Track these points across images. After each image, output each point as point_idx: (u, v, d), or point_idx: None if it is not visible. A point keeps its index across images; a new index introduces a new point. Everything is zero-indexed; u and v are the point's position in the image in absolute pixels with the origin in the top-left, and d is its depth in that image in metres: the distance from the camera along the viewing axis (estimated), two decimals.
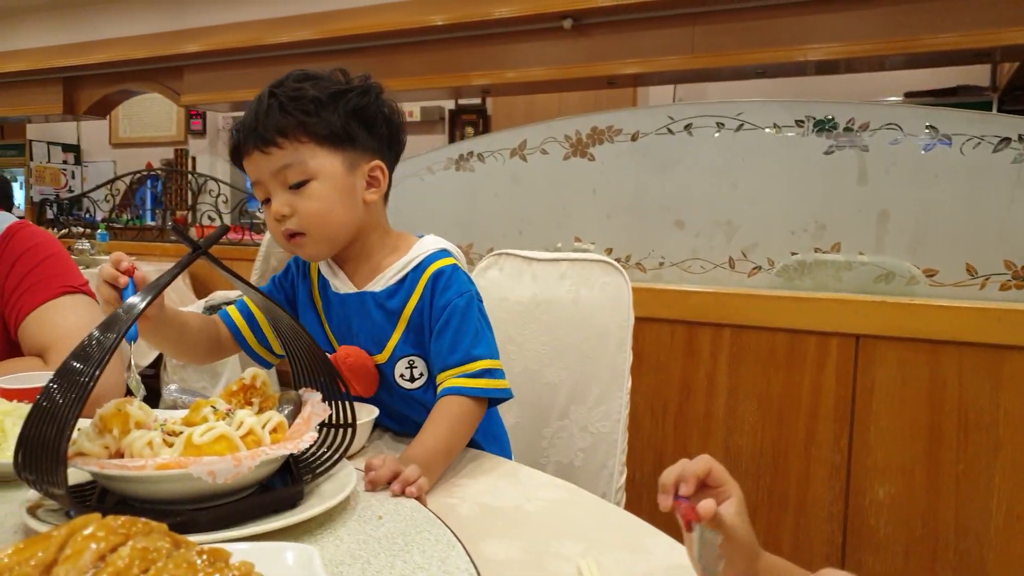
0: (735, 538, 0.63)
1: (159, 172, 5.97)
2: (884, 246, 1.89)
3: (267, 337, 1.12)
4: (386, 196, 1.10)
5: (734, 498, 0.65)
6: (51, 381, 0.66)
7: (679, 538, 0.76)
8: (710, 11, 2.73)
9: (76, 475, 0.73)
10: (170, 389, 1.25)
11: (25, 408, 0.86)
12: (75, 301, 1.23)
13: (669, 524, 0.79)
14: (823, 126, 1.96)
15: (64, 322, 1.19)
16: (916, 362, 1.69)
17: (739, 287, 2.02)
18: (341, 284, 1.08)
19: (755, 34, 2.68)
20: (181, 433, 0.71)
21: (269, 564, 0.52)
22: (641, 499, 1.96)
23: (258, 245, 2.38)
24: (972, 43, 2.35)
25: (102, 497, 0.73)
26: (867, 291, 1.88)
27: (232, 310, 1.14)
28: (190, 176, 4.34)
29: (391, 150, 1.09)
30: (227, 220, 4.02)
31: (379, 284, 1.06)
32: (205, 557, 0.46)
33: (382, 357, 1.06)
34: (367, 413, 1.00)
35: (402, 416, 1.09)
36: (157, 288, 0.75)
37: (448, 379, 1.00)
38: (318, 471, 0.80)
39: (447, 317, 1.02)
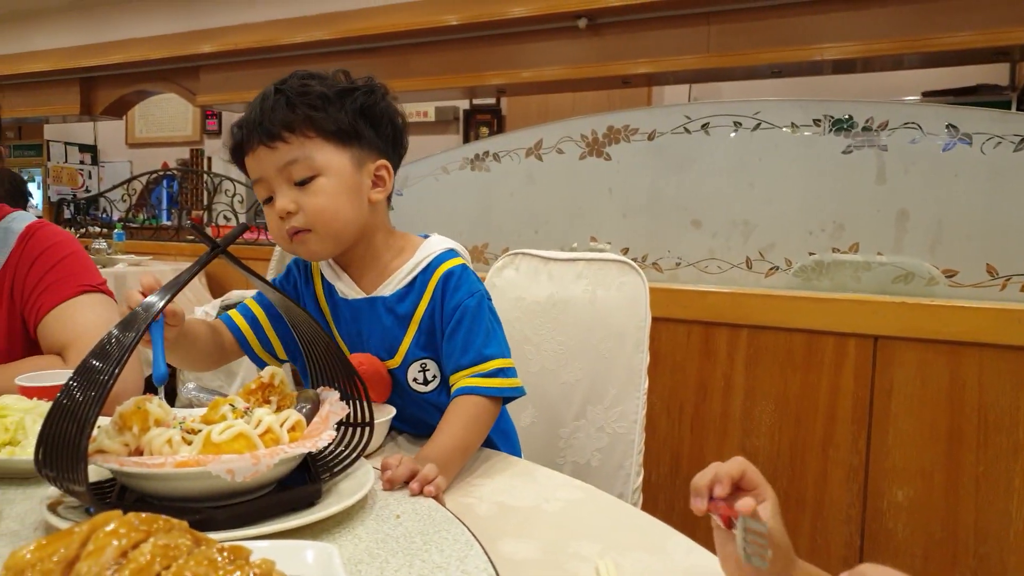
0: (771, 542, 0.62)
1: (175, 172, 6.01)
2: (903, 246, 1.87)
3: (271, 341, 1.10)
4: (389, 198, 1.09)
5: (769, 501, 0.63)
6: (71, 379, 0.66)
7: (697, 539, 0.75)
8: (725, 10, 2.71)
9: (96, 472, 0.73)
10: (188, 388, 1.26)
11: (45, 406, 0.87)
12: (94, 300, 1.23)
13: (686, 525, 0.78)
14: (841, 125, 1.94)
15: (83, 320, 1.19)
16: (935, 363, 1.67)
17: (756, 287, 2.00)
18: (348, 289, 1.07)
19: (770, 33, 2.66)
20: (200, 431, 0.71)
21: (289, 562, 0.51)
22: (657, 500, 1.95)
23: (273, 245, 2.39)
24: (991, 42, 2.32)
25: (121, 494, 0.73)
26: (886, 292, 1.86)
27: (235, 314, 1.11)
28: (206, 176, 4.37)
29: (395, 151, 1.08)
30: (243, 220, 4.05)
31: (388, 288, 1.05)
32: (226, 554, 0.46)
33: (394, 362, 1.05)
34: (384, 412, 1.01)
35: (416, 419, 1.08)
36: (176, 287, 0.75)
37: (462, 379, 1.00)
38: (336, 470, 0.80)
39: (459, 317, 1.02)
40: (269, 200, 1.00)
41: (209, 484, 0.67)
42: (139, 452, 0.72)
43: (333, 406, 0.80)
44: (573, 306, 1.37)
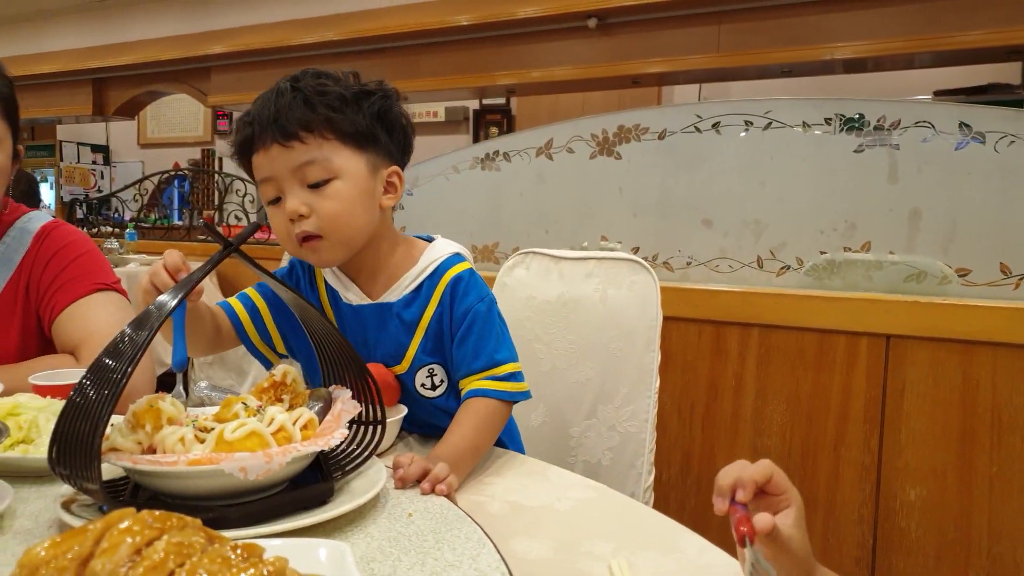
0: (790, 551, 0.60)
1: (186, 172, 6.04)
2: (915, 245, 1.86)
3: (270, 334, 1.08)
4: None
5: (793, 508, 0.62)
6: (84, 377, 0.67)
7: (709, 538, 0.75)
8: (736, 9, 2.70)
9: (109, 470, 0.74)
10: (200, 386, 1.26)
11: (58, 404, 0.87)
12: (107, 298, 1.24)
13: (697, 524, 0.78)
14: (853, 124, 1.93)
15: (96, 319, 1.20)
16: (948, 363, 1.66)
17: (767, 287, 1.99)
18: (353, 295, 1.05)
19: (781, 32, 2.65)
20: (213, 429, 0.71)
21: (302, 560, 0.51)
22: (668, 499, 1.95)
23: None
24: (1003, 40, 2.30)
25: (134, 492, 0.74)
26: (898, 291, 1.85)
27: (234, 301, 1.08)
28: (217, 176, 4.39)
29: (403, 157, 1.06)
30: (253, 219, 4.06)
31: (394, 294, 1.04)
32: (239, 552, 0.46)
33: (401, 368, 1.05)
34: (396, 411, 1.01)
35: (424, 423, 1.08)
36: (189, 285, 0.75)
37: (474, 382, 1.00)
38: (348, 468, 0.80)
39: (469, 323, 1.01)
40: (277, 201, 0.97)
41: (222, 482, 0.68)
42: (152, 450, 0.72)
43: (345, 404, 0.81)
44: (584, 305, 1.37)
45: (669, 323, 1.33)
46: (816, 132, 1.98)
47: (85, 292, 1.22)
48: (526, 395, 1.03)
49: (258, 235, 0.83)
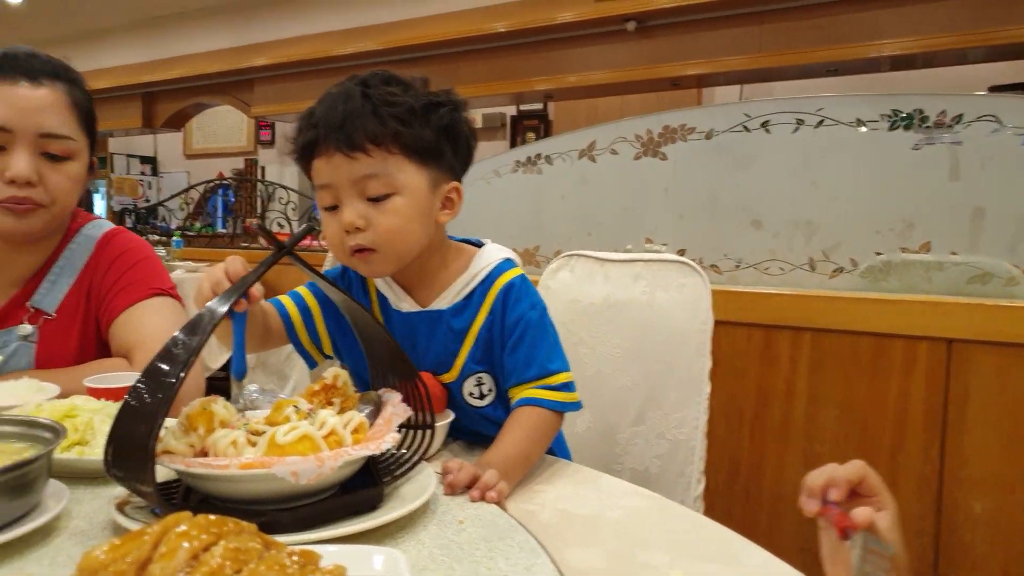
0: (893, 563, 0.57)
1: (230, 181, 6.16)
2: (979, 245, 1.79)
3: (319, 334, 1.07)
4: None
5: (888, 511, 0.59)
6: (138, 381, 0.66)
7: (773, 551, 0.71)
8: (777, 8, 2.66)
9: (161, 473, 0.74)
10: (250, 390, 1.27)
11: (113, 407, 0.88)
12: (163, 303, 1.26)
13: (745, 535, 0.74)
14: (911, 120, 1.87)
15: (150, 324, 1.22)
16: (1015, 368, 1.59)
17: (820, 289, 1.94)
18: (403, 302, 1.03)
19: (825, 31, 2.60)
20: (264, 432, 0.71)
21: (358, 567, 0.50)
22: (714, 508, 1.90)
23: (326, 251, 2.41)
24: None
25: (186, 495, 0.74)
26: (960, 293, 1.78)
27: (286, 300, 1.07)
28: (260, 184, 4.46)
29: (464, 171, 1.03)
30: (295, 227, 4.12)
31: (444, 301, 1.02)
32: (296, 559, 0.45)
33: (450, 376, 1.03)
34: (444, 416, 0.99)
35: (471, 432, 1.06)
36: (240, 288, 0.75)
37: (525, 390, 0.98)
38: (397, 473, 0.78)
39: (521, 331, 0.99)
40: (333, 208, 0.95)
41: (273, 486, 0.67)
42: (204, 453, 0.72)
43: (395, 408, 0.79)
44: (631, 308, 1.34)
45: (717, 327, 1.29)
46: (871, 129, 1.92)
47: (141, 297, 1.24)
48: (577, 406, 1.00)
49: (302, 242, 0.82)
